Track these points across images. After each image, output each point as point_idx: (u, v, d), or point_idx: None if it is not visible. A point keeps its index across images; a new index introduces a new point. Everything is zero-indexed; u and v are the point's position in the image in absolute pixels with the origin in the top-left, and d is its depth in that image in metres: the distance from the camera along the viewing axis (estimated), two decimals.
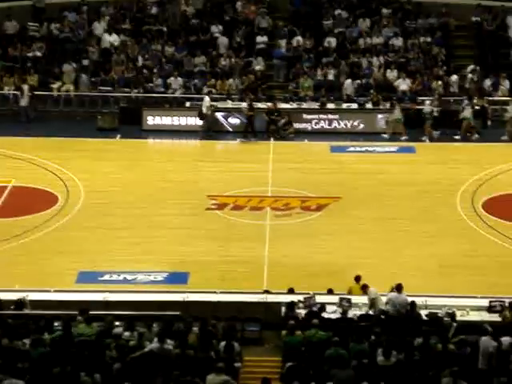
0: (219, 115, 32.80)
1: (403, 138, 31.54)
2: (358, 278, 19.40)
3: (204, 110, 32.08)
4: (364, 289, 18.69)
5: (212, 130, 32.25)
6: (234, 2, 37.79)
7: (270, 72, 35.57)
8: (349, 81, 34.03)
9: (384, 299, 18.22)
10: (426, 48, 35.78)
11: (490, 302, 18.21)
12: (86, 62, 35.30)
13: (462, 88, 34.20)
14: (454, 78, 34.24)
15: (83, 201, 26.18)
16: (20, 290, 18.93)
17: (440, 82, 33.98)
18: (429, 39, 36.06)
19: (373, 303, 18.13)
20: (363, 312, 18.05)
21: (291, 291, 19.16)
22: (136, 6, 37.75)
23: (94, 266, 22.09)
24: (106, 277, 21.51)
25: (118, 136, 31.95)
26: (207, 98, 32.33)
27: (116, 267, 21.95)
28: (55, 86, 34.33)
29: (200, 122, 32.16)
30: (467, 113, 31.63)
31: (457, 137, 31.56)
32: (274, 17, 37.57)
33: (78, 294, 18.89)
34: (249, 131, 31.84)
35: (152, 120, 32.81)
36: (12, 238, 23.68)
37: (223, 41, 35.90)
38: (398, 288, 18.32)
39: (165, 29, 36.79)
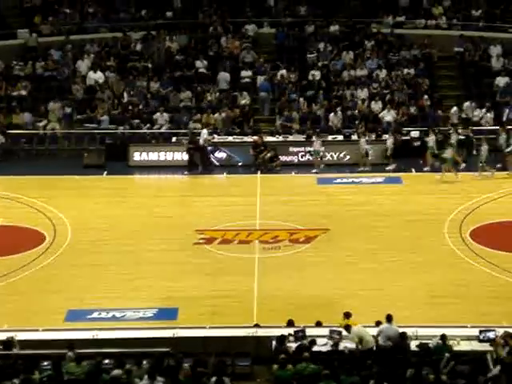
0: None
1: (389, 167, 31.67)
2: (347, 315, 19.22)
3: (201, 141, 32.11)
4: (347, 329, 18.36)
5: (209, 164, 32.23)
6: (219, 37, 38.06)
7: (256, 106, 35.73)
8: (331, 114, 34.19)
9: (375, 331, 18.15)
10: (409, 79, 36.05)
11: (480, 331, 18.18)
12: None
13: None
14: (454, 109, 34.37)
15: (70, 238, 26.09)
16: (8, 329, 18.80)
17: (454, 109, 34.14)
18: (412, 70, 36.35)
19: (361, 340, 17.97)
20: (354, 345, 17.97)
21: (291, 323, 19.07)
22: (120, 43, 37.96)
23: (82, 304, 21.96)
24: (95, 314, 21.38)
25: (105, 173, 31.95)
26: (205, 131, 32.41)
27: (105, 304, 21.83)
28: (41, 124, 34.38)
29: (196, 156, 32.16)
30: (431, 142, 31.71)
31: (425, 168, 31.56)
32: (258, 51, 37.83)
33: (66, 333, 18.77)
34: (192, 164, 31.89)
35: (138, 156, 32.86)
36: None
37: (225, 77, 35.89)
38: (388, 319, 18.27)
39: (149, 65, 37.00)
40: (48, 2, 39.56)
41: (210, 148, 32.78)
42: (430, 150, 31.78)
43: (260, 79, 36.18)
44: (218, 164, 32.77)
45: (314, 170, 31.68)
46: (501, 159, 31.65)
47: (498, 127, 33.02)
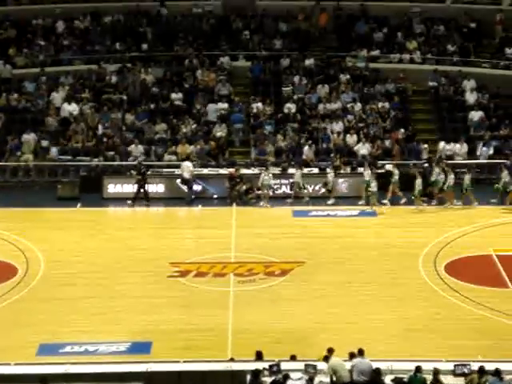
0: (179, 182, 32.76)
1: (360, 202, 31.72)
2: (330, 351, 19.05)
3: (186, 175, 32.05)
4: (326, 359, 18.18)
5: (192, 197, 32.17)
6: (194, 70, 38.14)
7: (231, 138, 35.75)
8: (306, 147, 34.26)
9: (348, 365, 18.03)
10: (384, 113, 36.26)
11: (455, 365, 18.13)
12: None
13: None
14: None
15: (43, 271, 25.84)
16: None
17: (426, 146, 34.37)
18: (387, 104, 36.56)
19: (335, 373, 17.81)
20: (328, 379, 17.85)
21: (259, 355, 18.91)
22: (95, 76, 37.93)
23: (54, 338, 21.69)
24: (68, 348, 21.12)
25: (79, 205, 31.76)
26: (188, 163, 32.33)
27: (77, 338, 21.58)
28: (22, 158, 34.13)
29: (184, 187, 32.19)
30: (396, 176, 31.73)
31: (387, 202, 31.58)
32: (234, 84, 37.94)
33: (38, 367, 18.48)
34: (137, 197, 31.87)
35: (113, 188, 32.73)
36: None
37: (211, 108, 35.88)
38: (360, 352, 18.17)
39: (125, 97, 36.97)
40: (22, 34, 39.51)
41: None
42: (395, 183, 31.73)
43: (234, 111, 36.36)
44: (193, 196, 32.69)
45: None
46: (434, 195, 31.72)
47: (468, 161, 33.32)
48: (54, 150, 33.98)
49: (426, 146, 34.65)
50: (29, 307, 23.56)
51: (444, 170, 31.78)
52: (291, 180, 32.22)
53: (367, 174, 31.70)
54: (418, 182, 31.15)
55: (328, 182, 32.03)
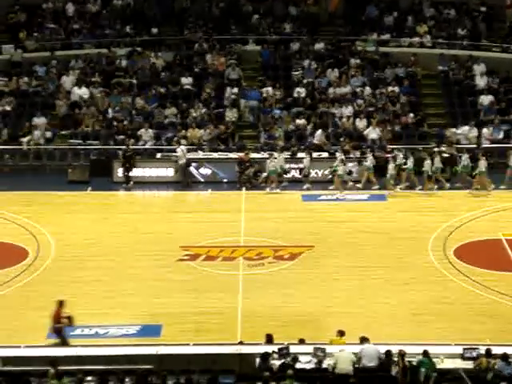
0: (191, 166, 32.84)
1: (375, 187, 31.67)
2: (341, 333, 19.15)
3: (183, 160, 32.09)
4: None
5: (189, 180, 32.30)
6: (204, 54, 38.11)
7: (240, 123, 35.73)
8: (319, 131, 34.26)
9: (358, 349, 18.10)
10: (394, 97, 36.19)
11: (464, 349, 18.19)
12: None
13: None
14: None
15: (54, 254, 25.98)
16: None
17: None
18: (396, 88, 36.48)
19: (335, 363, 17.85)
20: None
21: (269, 338, 19.00)
22: (105, 59, 37.95)
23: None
24: (78, 331, 21.23)
25: (89, 188, 31.86)
26: (183, 147, 32.39)
27: (88, 321, 21.70)
28: (25, 139, 34.27)
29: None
30: (409, 163, 31.66)
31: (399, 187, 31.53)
32: (244, 68, 37.91)
33: (49, 349, 18.63)
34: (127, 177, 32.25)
35: (123, 172, 32.74)
36: None
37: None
38: (365, 340, 18.26)
39: (135, 81, 36.98)
40: (33, 18, 39.54)
41: (194, 164, 32.80)
42: (408, 170, 31.66)
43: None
44: (202, 180, 32.78)
45: (304, 187, 31.63)
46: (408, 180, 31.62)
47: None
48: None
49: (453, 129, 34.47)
50: (39, 290, 23.70)
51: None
52: (300, 165, 32.18)
53: (370, 160, 31.72)
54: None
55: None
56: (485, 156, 31.64)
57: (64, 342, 19.82)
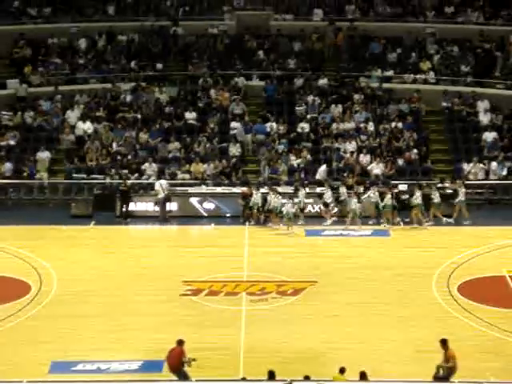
0: (194, 200, 32.89)
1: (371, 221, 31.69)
2: (342, 370, 19.05)
3: (162, 194, 32.08)
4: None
5: (167, 215, 32.17)
6: (208, 89, 38.30)
7: (244, 157, 35.80)
8: (323, 166, 34.30)
9: None
10: (397, 133, 36.29)
11: None
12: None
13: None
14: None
15: (56, 289, 25.91)
16: None
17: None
18: (400, 124, 36.59)
19: None
20: None
21: (272, 374, 18.87)
22: (110, 94, 38.15)
23: (67, 356, 21.71)
24: (80, 366, 21.12)
25: (92, 223, 31.86)
26: (164, 181, 32.39)
27: (90, 356, 21.59)
28: (38, 175, 34.34)
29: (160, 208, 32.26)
30: (418, 199, 31.62)
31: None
32: (248, 103, 38.07)
33: None
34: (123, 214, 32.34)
35: (120, 207, 32.69)
36: None
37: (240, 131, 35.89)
38: (363, 375, 18.17)
39: (139, 116, 37.15)
40: (38, 53, 39.82)
41: (198, 199, 32.83)
42: (416, 207, 31.62)
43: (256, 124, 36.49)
44: (206, 214, 32.78)
45: (299, 222, 31.62)
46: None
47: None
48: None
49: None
50: (42, 325, 23.61)
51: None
52: (304, 200, 32.13)
53: (374, 194, 31.75)
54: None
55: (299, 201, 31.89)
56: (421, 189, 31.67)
57: (186, 377, 19.51)
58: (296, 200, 31.44)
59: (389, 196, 31.54)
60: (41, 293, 25.61)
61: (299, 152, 35.28)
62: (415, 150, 35.48)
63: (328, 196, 32.08)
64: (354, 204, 31.25)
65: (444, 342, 18.80)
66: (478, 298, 25.22)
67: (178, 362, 19.53)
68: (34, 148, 35.57)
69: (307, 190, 32.53)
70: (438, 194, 31.81)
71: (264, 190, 32.11)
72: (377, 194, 31.91)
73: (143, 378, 20.07)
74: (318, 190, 33.07)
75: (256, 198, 31.55)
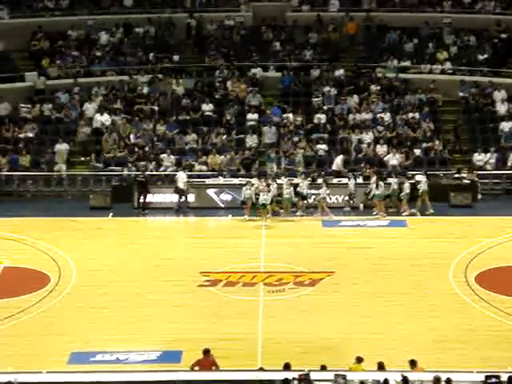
0: (211, 191, 33.00)
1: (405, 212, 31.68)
2: (359, 359, 19.12)
3: (181, 185, 32.25)
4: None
5: (187, 207, 32.29)
6: (225, 81, 38.35)
7: (261, 149, 35.86)
8: (340, 157, 34.31)
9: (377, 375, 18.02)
10: (414, 123, 36.23)
11: (486, 376, 18.06)
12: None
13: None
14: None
15: (75, 280, 26.09)
16: (12, 371, 18.71)
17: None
18: (417, 115, 36.53)
19: None
20: None
21: (287, 367, 18.97)
22: (127, 86, 38.26)
23: (86, 347, 21.89)
24: (99, 357, 21.29)
25: (111, 214, 32.02)
26: (182, 174, 32.54)
27: (108, 347, 21.76)
28: (56, 167, 34.55)
29: (175, 198, 32.30)
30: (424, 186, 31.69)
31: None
32: (264, 94, 38.10)
33: (70, 375, 18.67)
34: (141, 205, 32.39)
35: (137, 198, 32.83)
36: (4, 319, 23.51)
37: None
38: (381, 366, 18.22)
39: (156, 108, 37.25)
40: (56, 46, 39.98)
41: (215, 190, 32.94)
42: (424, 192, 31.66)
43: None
44: (223, 206, 32.88)
45: (315, 214, 31.68)
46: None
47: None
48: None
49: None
50: (61, 316, 23.79)
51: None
52: (317, 191, 32.15)
53: (394, 182, 31.80)
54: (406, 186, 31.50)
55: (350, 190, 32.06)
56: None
57: None
58: (272, 189, 31.36)
59: (407, 185, 31.55)
60: (60, 284, 25.79)
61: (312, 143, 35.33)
62: (437, 142, 35.33)
63: (352, 185, 32.05)
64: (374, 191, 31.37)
65: (413, 363, 18.75)
66: (496, 288, 25.20)
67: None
68: (52, 140, 35.74)
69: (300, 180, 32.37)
70: (407, 185, 31.75)
71: (280, 181, 32.13)
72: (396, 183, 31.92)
73: (162, 368, 20.20)
74: (335, 180, 33.06)
75: (273, 190, 31.55)
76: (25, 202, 33.46)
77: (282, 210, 31.71)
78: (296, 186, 31.88)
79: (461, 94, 37.84)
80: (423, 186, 31.60)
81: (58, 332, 22.72)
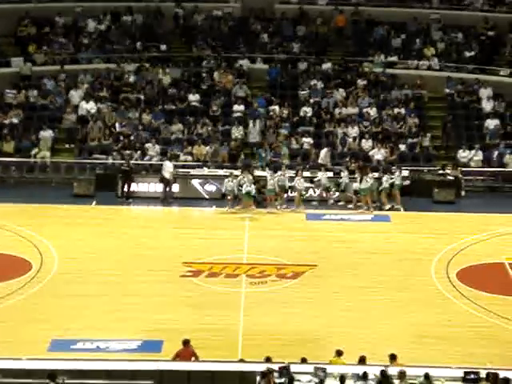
0: (195, 182, 32.96)
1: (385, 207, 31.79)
2: (339, 353, 19.17)
3: (166, 175, 32.20)
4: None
5: (172, 197, 32.31)
6: (212, 71, 38.28)
7: (246, 141, 35.84)
8: (324, 150, 34.33)
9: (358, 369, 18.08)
10: (400, 118, 36.29)
11: (465, 372, 18.16)
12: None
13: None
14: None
15: (57, 267, 26.02)
16: None
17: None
18: (403, 110, 36.58)
19: None
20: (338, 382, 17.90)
21: (268, 360, 18.98)
22: (114, 75, 38.13)
23: (66, 334, 21.85)
24: (79, 345, 21.27)
25: (94, 202, 31.94)
26: (169, 164, 32.48)
27: (89, 335, 21.73)
28: (32, 152, 34.40)
29: (160, 188, 32.27)
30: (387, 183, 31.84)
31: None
32: (251, 86, 38.06)
33: (50, 363, 18.62)
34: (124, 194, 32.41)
35: (121, 187, 32.75)
36: None
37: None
38: (362, 360, 18.28)
39: (142, 97, 37.14)
40: (43, 32, 39.77)
41: (199, 181, 32.91)
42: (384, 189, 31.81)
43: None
44: (207, 197, 32.86)
45: (277, 204, 31.72)
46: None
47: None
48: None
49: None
50: (42, 303, 23.74)
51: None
52: (305, 184, 32.14)
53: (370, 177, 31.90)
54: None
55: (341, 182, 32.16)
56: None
57: None
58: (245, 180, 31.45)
59: (385, 179, 31.67)
60: (42, 271, 25.72)
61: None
62: (424, 137, 35.39)
63: (346, 178, 32.11)
64: (355, 188, 31.42)
65: (392, 357, 18.82)
66: (477, 285, 25.32)
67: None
68: (37, 127, 35.59)
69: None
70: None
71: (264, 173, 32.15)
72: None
73: (142, 357, 20.18)
74: (320, 174, 33.06)
75: (272, 181, 31.52)
76: (8, 188, 33.29)
77: (267, 202, 31.72)
78: (292, 179, 31.79)
79: (447, 91, 37.92)
80: (396, 181, 31.69)
81: (39, 319, 22.67)
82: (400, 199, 31.81)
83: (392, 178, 31.86)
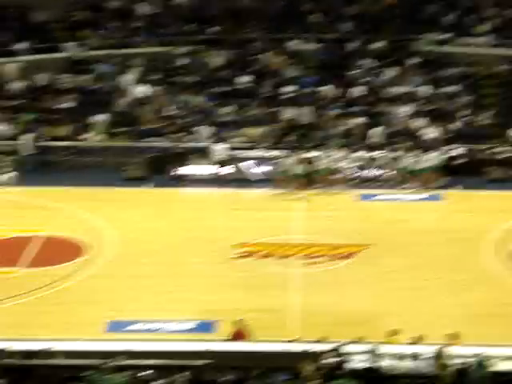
0: (247, 164, 33.03)
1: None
2: (395, 333, 19.15)
3: (219, 157, 32.34)
4: None
5: (224, 179, 32.47)
6: (262, 52, 38.25)
7: (298, 121, 35.79)
8: (377, 129, 34.17)
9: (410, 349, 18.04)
10: (454, 97, 35.94)
11: None
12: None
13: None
14: None
15: (113, 250, 26.34)
16: (49, 339, 18.95)
17: None
18: (456, 88, 36.19)
19: None
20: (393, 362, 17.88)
21: (323, 340, 19.03)
22: (165, 58, 38.32)
23: (123, 315, 22.14)
24: (135, 326, 21.55)
25: (148, 185, 32.20)
26: (221, 146, 32.62)
27: (143, 316, 21.99)
28: (85, 136, 34.78)
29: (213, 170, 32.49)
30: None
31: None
32: (302, 67, 37.95)
33: (107, 343, 18.89)
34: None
35: (181, 169, 33.01)
36: (43, 287, 23.84)
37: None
38: (418, 339, 18.24)
39: (194, 79, 37.26)
40: (95, 16, 40.09)
41: (251, 162, 32.99)
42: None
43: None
44: (260, 178, 32.93)
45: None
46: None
47: None
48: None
49: None
50: (98, 285, 24.08)
51: None
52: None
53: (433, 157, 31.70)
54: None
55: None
56: None
57: None
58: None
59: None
60: (98, 253, 26.06)
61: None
62: (473, 115, 35.07)
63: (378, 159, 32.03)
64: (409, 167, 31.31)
65: (452, 337, 18.71)
66: None
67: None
68: (90, 111, 35.94)
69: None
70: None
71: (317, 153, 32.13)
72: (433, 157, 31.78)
73: (196, 337, 20.38)
74: (374, 153, 32.92)
75: (324, 162, 31.53)
76: (62, 172, 33.67)
77: (319, 182, 31.70)
78: (344, 159, 31.75)
79: (501, 68, 37.40)
80: (445, 160, 31.35)
81: (96, 301, 23.00)
82: (447, 179, 31.53)
83: (444, 157, 31.61)
